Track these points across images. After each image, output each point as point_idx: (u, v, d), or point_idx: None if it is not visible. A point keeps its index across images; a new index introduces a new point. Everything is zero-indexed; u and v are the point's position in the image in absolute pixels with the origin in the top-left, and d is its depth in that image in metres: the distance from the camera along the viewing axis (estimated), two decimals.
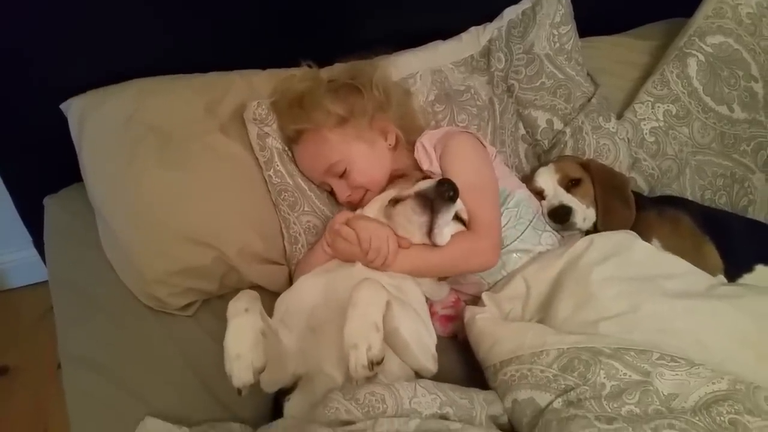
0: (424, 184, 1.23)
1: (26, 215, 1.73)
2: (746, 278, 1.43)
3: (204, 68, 1.58)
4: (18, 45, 1.42)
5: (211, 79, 1.55)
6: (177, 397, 1.24)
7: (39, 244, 1.61)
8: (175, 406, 1.22)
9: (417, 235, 1.25)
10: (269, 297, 1.45)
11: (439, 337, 1.34)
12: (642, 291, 1.18)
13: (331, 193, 1.49)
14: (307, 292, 1.22)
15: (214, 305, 1.42)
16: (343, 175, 1.43)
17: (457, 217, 1.30)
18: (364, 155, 1.43)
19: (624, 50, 1.93)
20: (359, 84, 1.45)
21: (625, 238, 1.30)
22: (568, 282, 1.24)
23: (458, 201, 1.33)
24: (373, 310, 1.00)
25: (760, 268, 1.43)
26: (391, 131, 1.48)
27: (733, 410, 1.00)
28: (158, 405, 1.20)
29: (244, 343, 0.99)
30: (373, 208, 1.36)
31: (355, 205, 1.47)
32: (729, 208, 1.68)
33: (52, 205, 1.54)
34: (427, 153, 1.44)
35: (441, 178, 1.24)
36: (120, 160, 1.38)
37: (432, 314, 1.42)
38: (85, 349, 1.27)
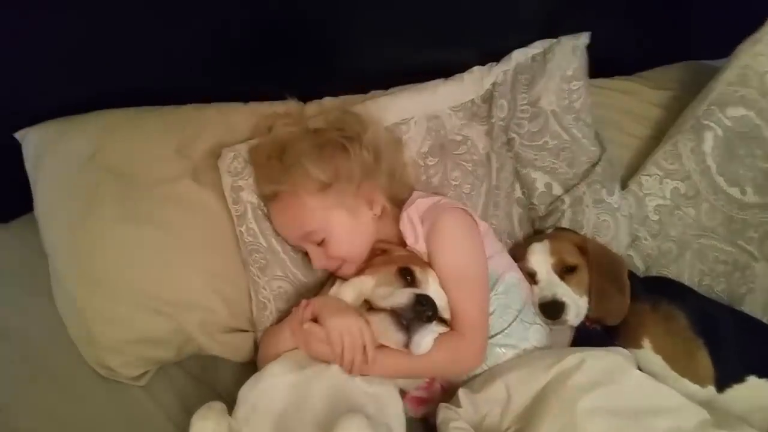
0: (401, 299, 1.12)
1: None
2: (736, 389, 1.36)
3: (180, 99, 1.43)
4: None
5: (185, 113, 1.41)
6: None
7: None
8: None
9: (394, 346, 1.15)
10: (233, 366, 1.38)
11: (409, 420, 1.27)
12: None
13: (306, 255, 1.37)
14: (277, 391, 1.12)
15: (169, 373, 1.33)
16: (320, 244, 1.30)
17: (439, 318, 1.20)
18: (345, 226, 1.29)
19: (634, 100, 1.79)
20: (347, 142, 1.31)
21: (618, 363, 1.20)
22: (552, 403, 1.15)
23: (441, 296, 1.24)
24: None
25: (752, 380, 1.36)
26: (378, 200, 1.34)
27: None
28: None
29: None
30: (348, 293, 1.24)
31: (330, 273, 1.37)
32: (726, 296, 1.59)
33: (1, 240, 1.40)
34: (413, 227, 1.32)
35: (418, 294, 1.12)
36: (77, 208, 1.25)
37: (403, 395, 1.33)
38: (26, 421, 1.16)
